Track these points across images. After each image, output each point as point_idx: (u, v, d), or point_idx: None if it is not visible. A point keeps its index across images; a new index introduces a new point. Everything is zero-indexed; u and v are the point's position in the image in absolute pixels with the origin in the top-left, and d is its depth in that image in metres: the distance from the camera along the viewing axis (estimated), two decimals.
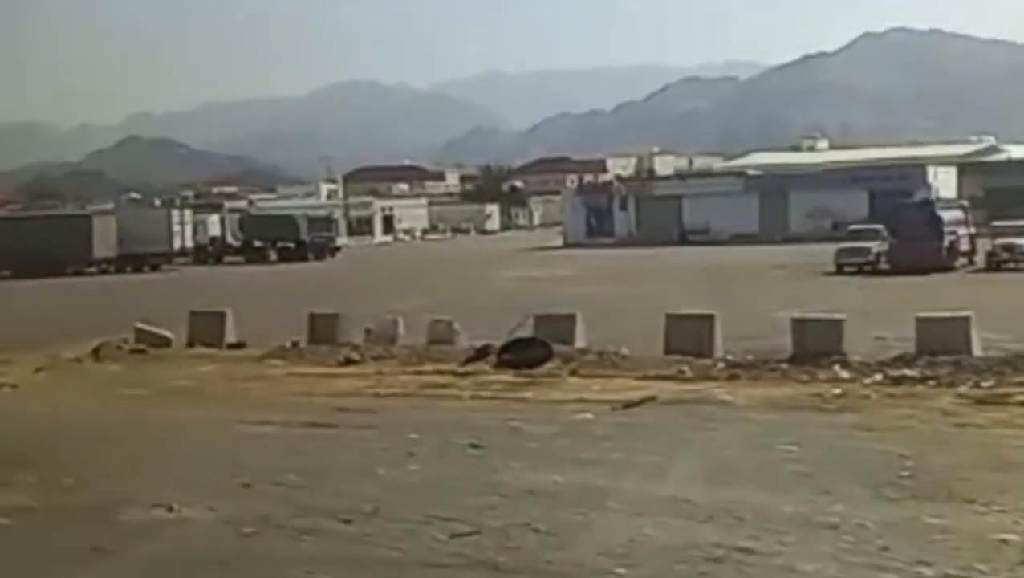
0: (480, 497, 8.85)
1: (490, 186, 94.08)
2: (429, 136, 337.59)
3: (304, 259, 52.11)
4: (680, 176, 60.44)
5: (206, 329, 19.76)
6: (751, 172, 55.38)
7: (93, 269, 47.82)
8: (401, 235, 73.00)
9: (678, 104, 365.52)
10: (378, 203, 76.05)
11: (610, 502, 8.55)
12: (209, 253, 53.09)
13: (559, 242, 59.97)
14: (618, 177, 62.91)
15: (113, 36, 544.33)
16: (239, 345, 19.34)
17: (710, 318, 15.74)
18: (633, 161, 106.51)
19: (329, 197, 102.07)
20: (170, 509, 8.82)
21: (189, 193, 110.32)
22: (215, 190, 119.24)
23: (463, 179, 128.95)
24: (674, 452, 10.32)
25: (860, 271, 33.02)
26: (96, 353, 19.14)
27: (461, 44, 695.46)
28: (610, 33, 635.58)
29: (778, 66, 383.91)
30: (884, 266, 33.18)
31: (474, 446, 10.87)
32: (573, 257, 46.10)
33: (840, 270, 33.09)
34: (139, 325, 20.44)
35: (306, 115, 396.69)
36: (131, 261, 48.28)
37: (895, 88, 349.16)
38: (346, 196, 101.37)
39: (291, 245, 53.07)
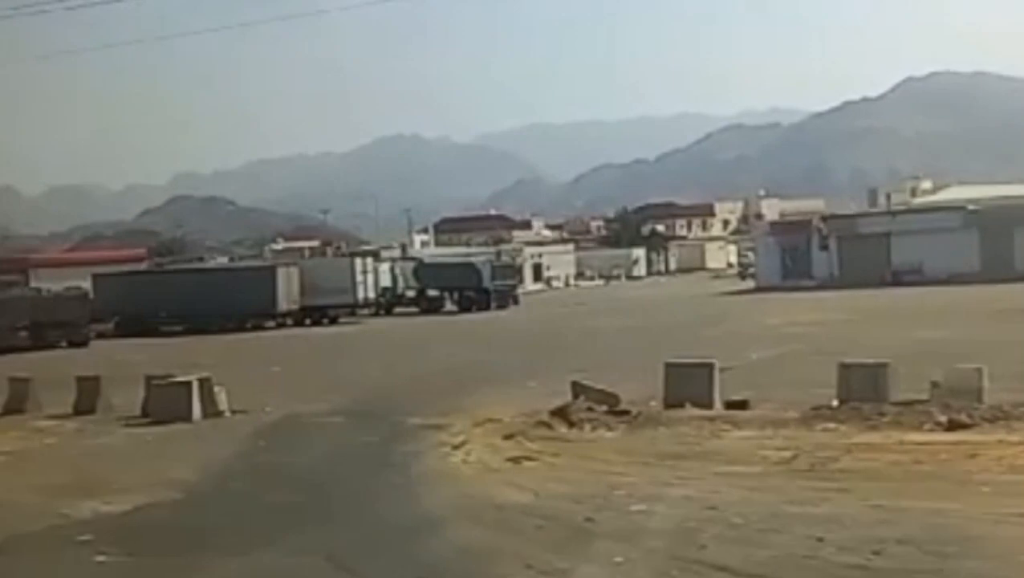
0: None
1: (629, 231, 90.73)
2: (473, 188, 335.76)
3: (487, 308, 48.56)
4: (891, 212, 56.47)
5: (684, 385, 15.98)
6: (971, 207, 51.39)
7: (272, 323, 44.36)
8: (554, 282, 69.48)
9: (721, 152, 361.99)
10: (527, 249, 72.64)
11: None
12: (381, 304, 49.49)
13: (739, 286, 55.92)
14: (820, 215, 59.08)
15: (156, 97, 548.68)
16: (741, 404, 15.56)
17: None
18: (740, 205, 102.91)
19: (423, 246, 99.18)
20: None
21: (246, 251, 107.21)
22: (275, 247, 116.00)
23: (549, 227, 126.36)
24: None
25: None
26: (564, 416, 15.45)
27: (502, 96, 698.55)
28: (651, 83, 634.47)
29: (821, 112, 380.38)
30: None
31: None
32: (804, 300, 42.10)
33: None
34: (579, 381, 16.77)
35: (350, 170, 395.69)
36: (312, 313, 44.92)
37: (940, 131, 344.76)
38: (439, 245, 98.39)
39: (472, 293, 49.44)
